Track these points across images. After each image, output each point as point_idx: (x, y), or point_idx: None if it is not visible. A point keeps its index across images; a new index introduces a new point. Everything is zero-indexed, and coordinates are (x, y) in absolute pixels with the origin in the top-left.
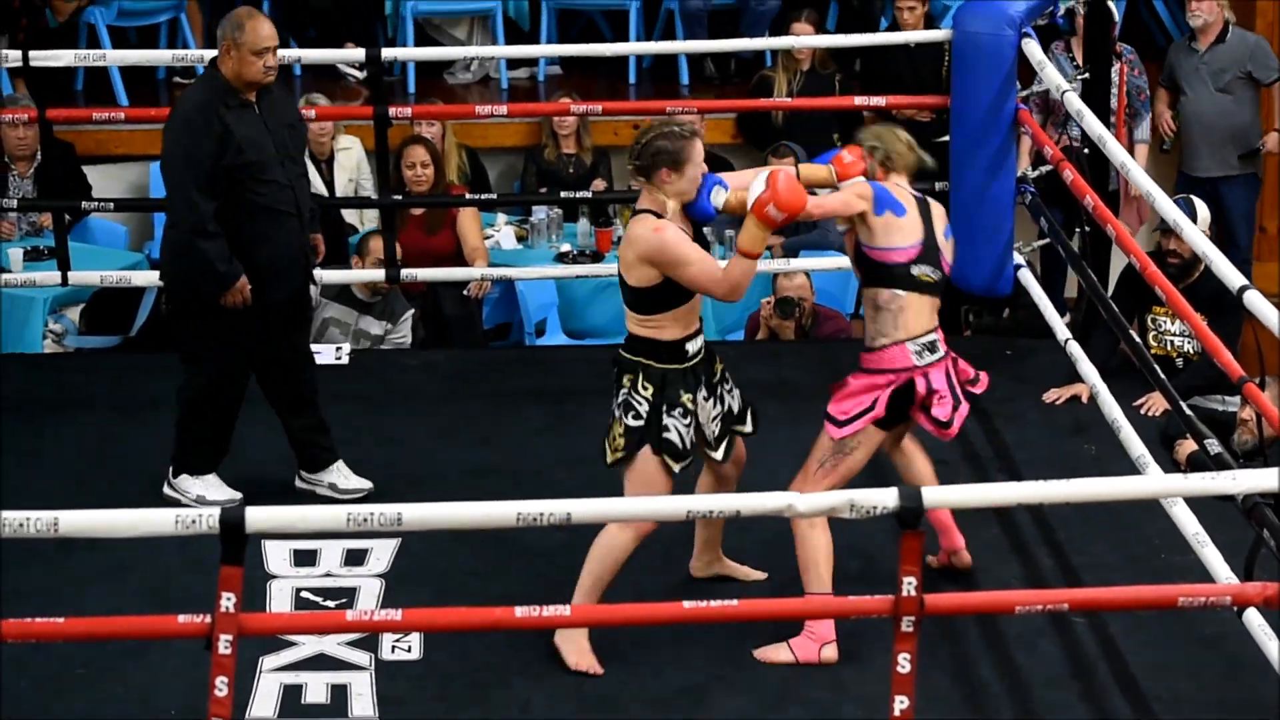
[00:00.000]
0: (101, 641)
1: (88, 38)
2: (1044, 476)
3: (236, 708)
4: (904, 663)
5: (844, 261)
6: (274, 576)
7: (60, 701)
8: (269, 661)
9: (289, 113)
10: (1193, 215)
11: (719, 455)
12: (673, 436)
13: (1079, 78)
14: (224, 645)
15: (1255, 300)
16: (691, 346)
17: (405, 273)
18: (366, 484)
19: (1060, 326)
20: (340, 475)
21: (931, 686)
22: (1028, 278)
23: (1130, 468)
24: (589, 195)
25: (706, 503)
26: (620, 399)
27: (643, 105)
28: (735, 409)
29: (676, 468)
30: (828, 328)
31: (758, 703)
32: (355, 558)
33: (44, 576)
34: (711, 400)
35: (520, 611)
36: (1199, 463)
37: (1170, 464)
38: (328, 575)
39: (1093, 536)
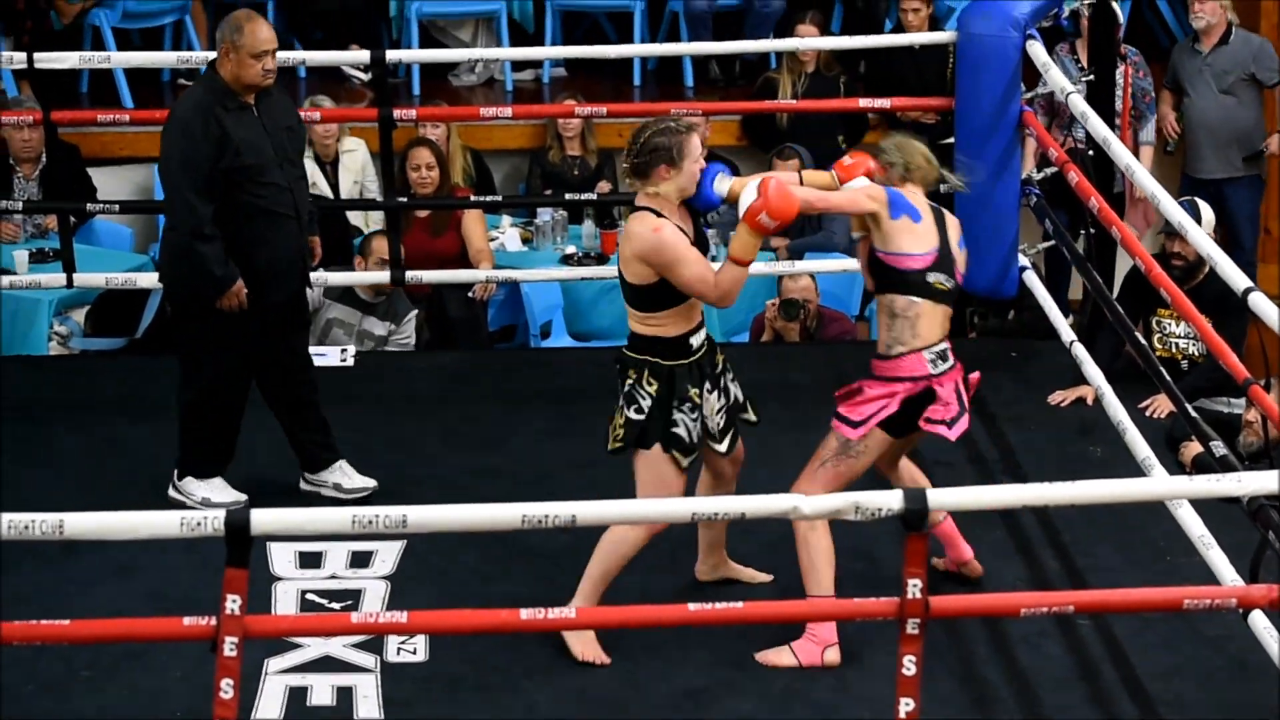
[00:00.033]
0: (107, 644)
1: (92, 40)
2: (1049, 478)
3: (242, 710)
4: (909, 665)
5: (849, 264)
6: (279, 579)
7: (65, 704)
8: (274, 664)
9: (288, 115)
10: (1197, 218)
11: (723, 448)
12: (681, 431)
13: (1084, 80)
14: (229, 647)
15: (1260, 302)
16: (695, 340)
17: (410, 275)
18: (370, 482)
19: (1065, 328)
20: (344, 475)
21: (936, 688)
22: (1033, 280)
23: (1135, 470)
24: (594, 197)
25: (711, 505)
26: (625, 390)
27: (647, 107)
28: (739, 398)
29: (685, 462)
30: (832, 330)
31: (763, 705)
32: (360, 560)
33: (49, 579)
34: (715, 392)
35: (525, 613)
36: (1204, 465)
37: (1175, 466)
38: (333, 577)
39: (1098, 538)
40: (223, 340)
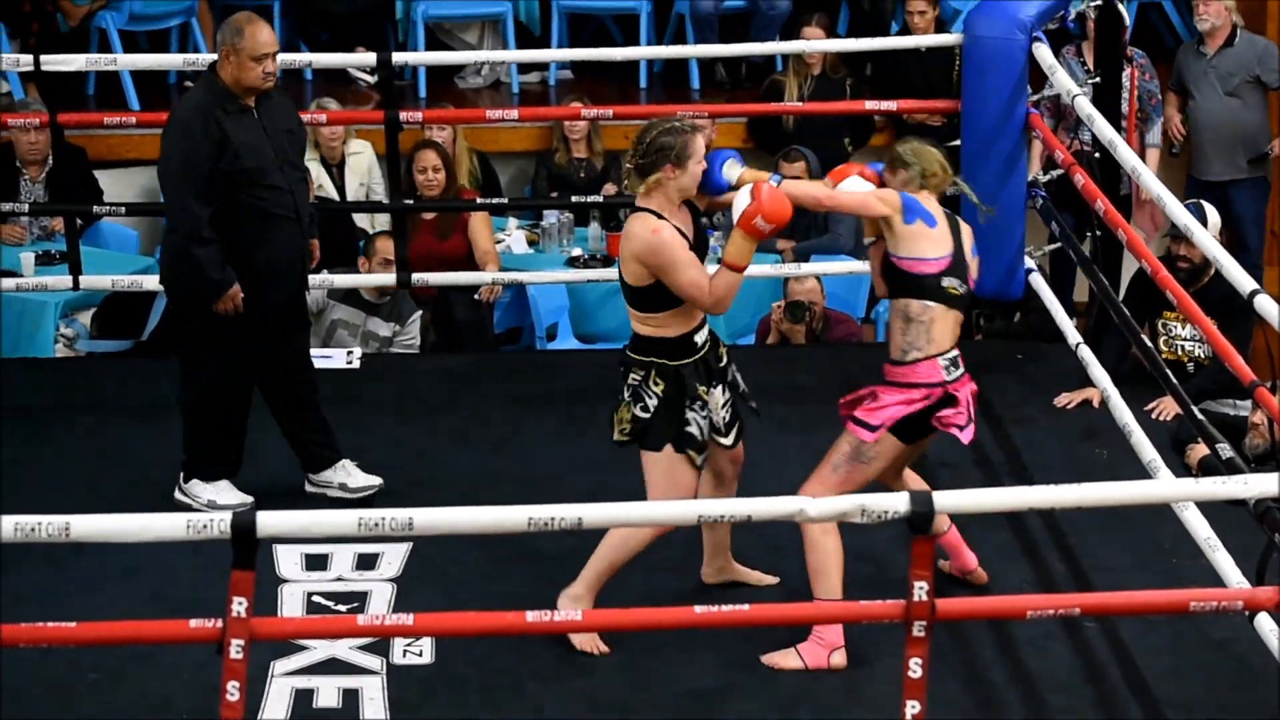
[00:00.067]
0: (113, 646)
1: (99, 42)
2: (1055, 481)
3: (248, 712)
4: (915, 667)
5: (855, 266)
6: (285, 581)
7: (71, 706)
8: (280, 666)
9: (288, 117)
10: (1203, 220)
11: (729, 441)
12: (694, 430)
13: (1090, 82)
14: (235, 650)
15: (1266, 304)
16: (699, 338)
17: (416, 277)
18: (376, 480)
19: (1071, 331)
20: (348, 474)
21: (943, 691)
22: (1039, 282)
23: (1141, 472)
24: (600, 199)
25: (718, 507)
26: (630, 386)
27: (654, 109)
28: (744, 387)
29: (699, 460)
30: (838, 332)
31: (769, 707)
32: (367, 562)
33: (55, 580)
34: (720, 387)
35: (532, 616)
36: (1210, 467)
37: (1181, 468)
38: (339, 580)
39: (1104, 541)
40: (222, 340)
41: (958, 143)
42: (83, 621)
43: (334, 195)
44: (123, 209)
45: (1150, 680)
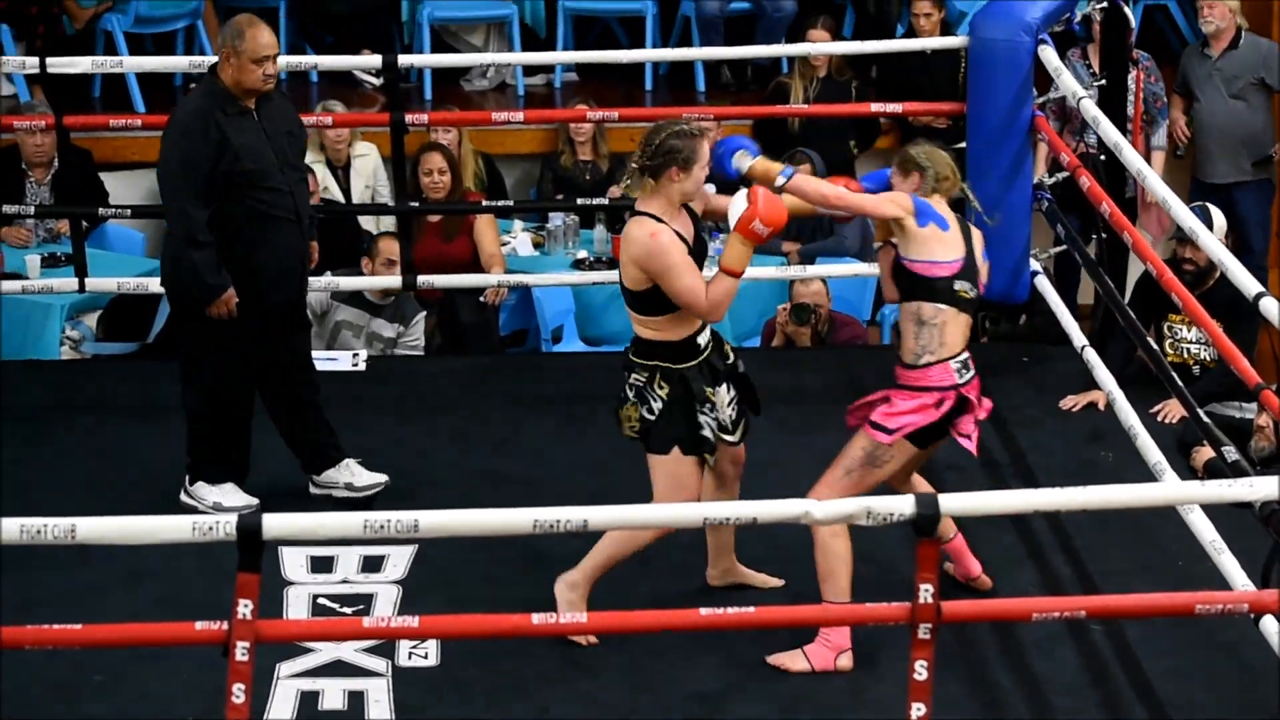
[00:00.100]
0: (118, 648)
1: (105, 44)
2: (1061, 483)
3: (253, 714)
4: (921, 670)
5: (861, 268)
6: (291, 583)
7: (77, 708)
8: (286, 668)
9: (289, 119)
10: (1209, 223)
11: (735, 438)
12: (707, 433)
13: (1095, 85)
14: (241, 652)
15: (1271, 307)
16: (702, 340)
17: (422, 279)
18: (381, 478)
19: (1077, 333)
20: (353, 473)
21: (948, 693)
22: (1044, 284)
23: (1147, 475)
24: (605, 202)
25: (723, 510)
26: (635, 387)
27: (659, 112)
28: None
29: (711, 460)
30: (844, 334)
31: (774, 709)
32: (372, 564)
33: (61, 583)
34: (726, 385)
35: (537, 618)
36: (1216, 470)
37: (1187, 471)
38: (345, 582)
39: (1109, 543)
40: (222, 342)
41: (963, 145)
42: (88, 623)
43: (339, 197)
44: (128, 211)
45: (1155, 682)
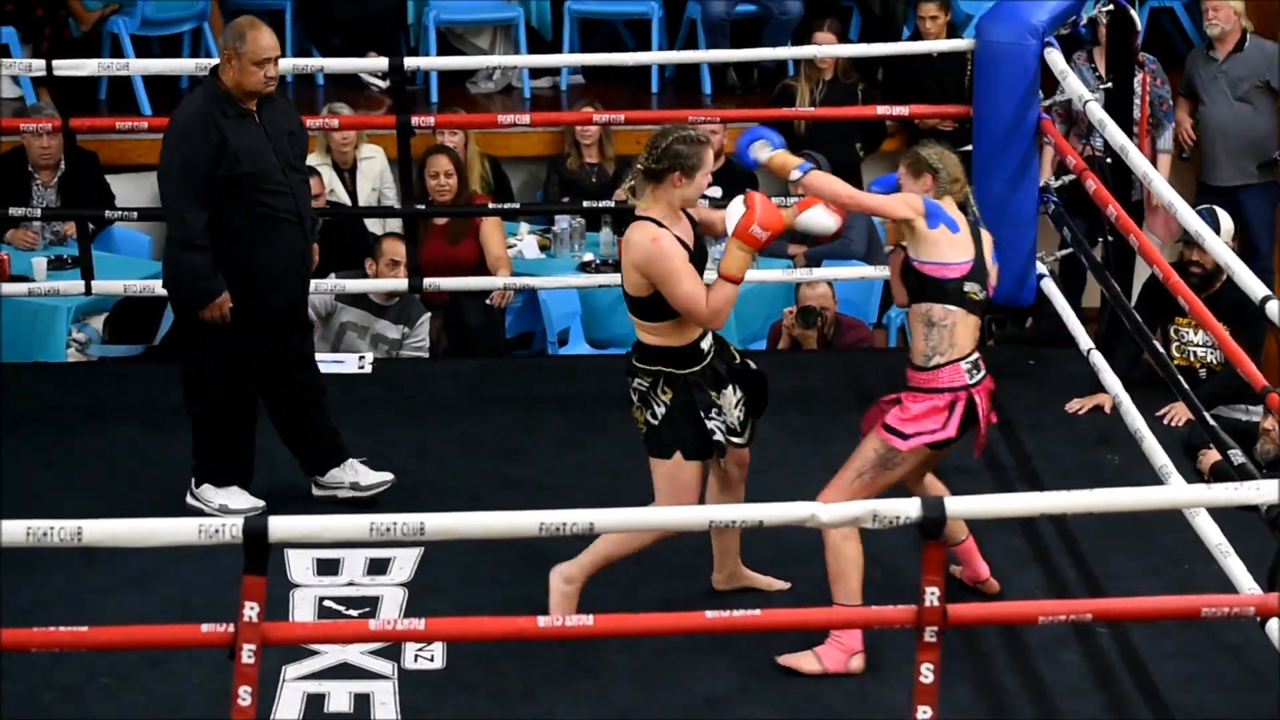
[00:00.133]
0: (125, 651)
1: (111, 47)
2: (1067, 486)
3: (259, 717)
4: (927, 673)
5: (867, 271)
6: (297, 586)
7: (83, 710)
8: (292, 671)
9: (289, 120)
10: (1216, 226)
11: (743, 440)
12: (718, 437)
13: (1102, 87)
14: (247, 654)
15: (1277, 310)
16: (705, 344)
17: (428, 282)
18: (387, 476)
19: (1083, 336)
20: (357, 473)
21: (954, 696)
22: (1050, 287)
23: (1153, 478)
24: (611, 204)
25: (728, 513)
26: (638, 390)
27: (665, 115)
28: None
29: (722, 462)
30: (850, 337)
31: (780, 711)
32: (378, 567)
33: (67, 585)
34: (731, 387)
35: (543, 621)
36: (1222, 473)
37: (1193, 474)
38: (350, 584)
39: (1116, 546)
40: (224, 343)
41: (969, 148)
42: (94, 626)
43: (346, 200)
44: (134, 214)
45: (1161, 686)
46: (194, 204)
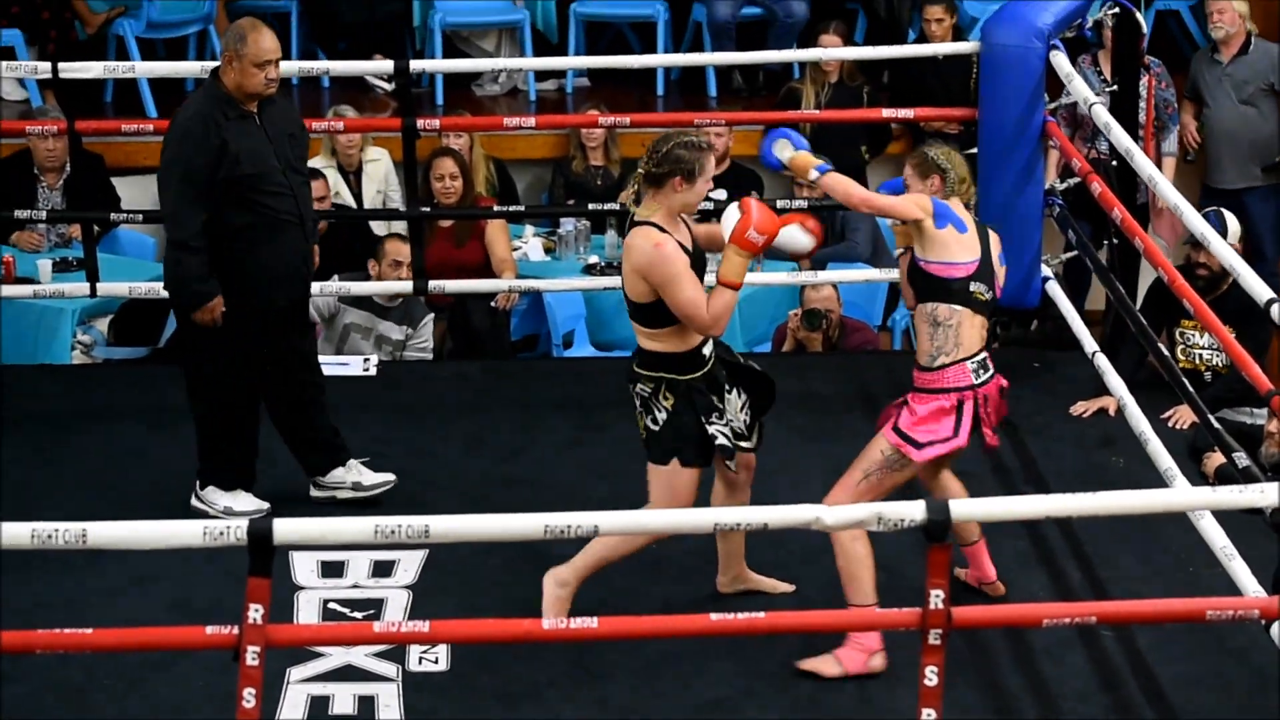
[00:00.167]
0: (129, 653)
1: (117, 49)
2: (1072, 489)
3: (264, 719)
4: (931, 675)
5: (872, 273)
6: (301, 588)
7: (87, 713)
8: (296, 673)
9: (290, 122)
10: (1223, 229)
11: (751, 444)
12: (724, 441)
13: (1107, 91)
14: (251, 656)
15: None
16: (706, 350)
17: (434, 284)
18: (389, 477)
19: (1088, 339)
20: (359, 473)
21: (959, 699)
22: (1056, 290)
23: (1158, 480)
24: (617, 207)
25: (733, 516)
26: (640, 395)
27: (671, 117)
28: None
29: (733, 466)
30: (855, 339)
31: (785, 714)
32: (383, 569)
33: (72, 587)
34: (735, 391)
35: (547, 624)
36: (1227, 475)
37: (1198, 477)
38: (355, 586)
39: (1120, 549)
40: (225, 344)
41: (974, 151)
42: (99, 628)
43: (351, 202)
44: (140, 216)
45: (1166, 688)
46: (192, 206)
